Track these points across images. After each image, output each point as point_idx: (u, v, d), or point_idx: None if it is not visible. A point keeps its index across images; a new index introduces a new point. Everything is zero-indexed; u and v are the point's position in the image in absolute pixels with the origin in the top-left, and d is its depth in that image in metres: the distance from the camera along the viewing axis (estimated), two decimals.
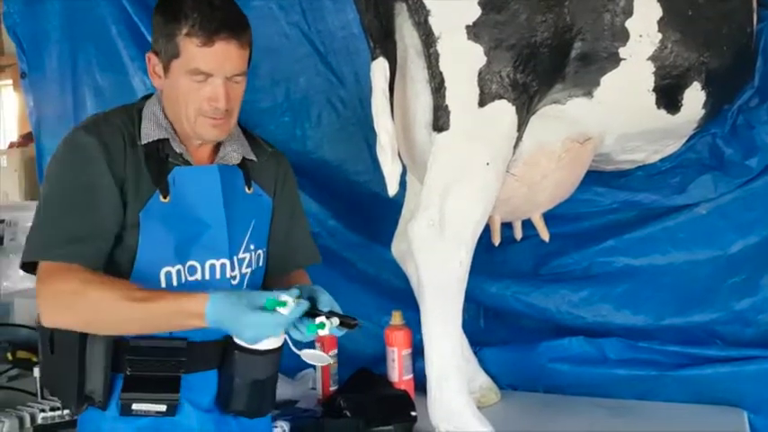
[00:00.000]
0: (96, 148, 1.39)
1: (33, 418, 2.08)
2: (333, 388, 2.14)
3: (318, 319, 1.32)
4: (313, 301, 1.38)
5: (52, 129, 2.81)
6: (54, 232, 1.37)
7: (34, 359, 2.33)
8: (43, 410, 2.08)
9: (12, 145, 5.17)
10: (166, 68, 1.43)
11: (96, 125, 1.44)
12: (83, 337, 1.40)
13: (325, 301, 1.39)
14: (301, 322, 1.33)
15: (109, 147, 1.41)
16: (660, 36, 1.80)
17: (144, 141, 1.44)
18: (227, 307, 1.30)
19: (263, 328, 1.32)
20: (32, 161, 3.16)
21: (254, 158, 1.57)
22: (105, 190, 1.39)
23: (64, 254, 1.36)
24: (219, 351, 1.48)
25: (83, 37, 2.73)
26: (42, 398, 2.17)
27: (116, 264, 1.42)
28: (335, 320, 1.33)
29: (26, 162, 4.27)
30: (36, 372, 2.19)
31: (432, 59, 1.74)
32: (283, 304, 1.30)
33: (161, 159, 1.45)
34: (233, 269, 1.50)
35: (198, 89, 1.41)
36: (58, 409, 2.05)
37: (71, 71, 2.78)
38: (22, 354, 2.50)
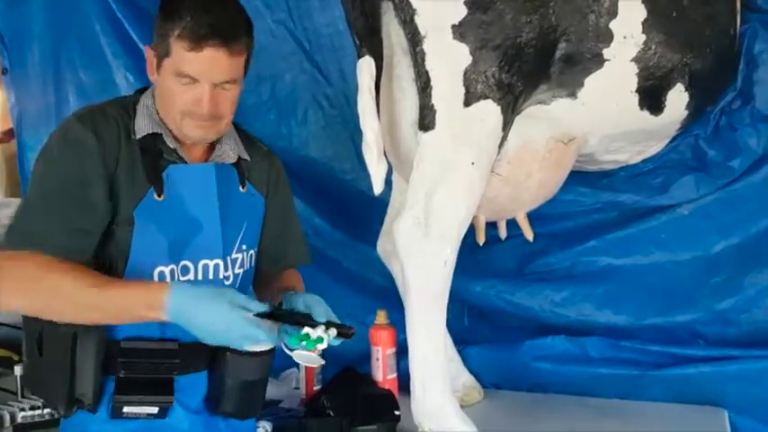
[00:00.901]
0: (91, 141, 1.37)
1: (13, 417, 2.07)
2: (316, 387, 2.13)
3: (316, 334, 1.30)
4: (309, 311, 1.37)
5: (34, 125, 2.79)
6: (37, 224, 1.33)
7: (15, 358, 2.31)
8: (23, 409, 2.07)
9: None
10: (159, 66, 1.41)
11: (92, 116, 1.41)
12: (74, 339, 1.37)
13: (321, 312, 1.38)
14: (296, 333, 1.32)
15: (104, 139, 1.38)
16: (644, 37, 1.81)
17: (138, 135, 1.42)
18: (191, 301, 1.28)
19: (242, 333, 1.29)
20: (14, 158, 3.12)
21: (249, 158, 1.56)
22: (95, 186, 1.36)
23: (47, 246, 1.32)
24: (210, 352, 1.46)
25: (66, 33, 2.71)
26: (23, 397, 2.15)
27: (109, 262, 1.39)
28: (333, 332, 1.32)
29: (8, 159, 4.20)
30: (17, 370, 2.17)
31: (418, 58, 1.74)
32: (305, 337, 1.29)
33: (156, 155, 1.42)
34: (226, 269, 1.48)
35: (184, 91, 1.39)
36: (38, 408, 2.04)
37: (54, 67, 2.75)
38: (1, 352, 2.47)
